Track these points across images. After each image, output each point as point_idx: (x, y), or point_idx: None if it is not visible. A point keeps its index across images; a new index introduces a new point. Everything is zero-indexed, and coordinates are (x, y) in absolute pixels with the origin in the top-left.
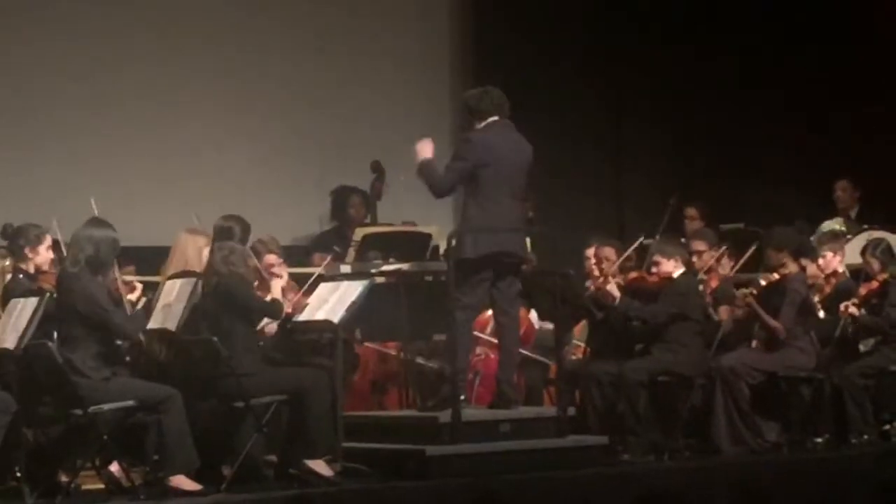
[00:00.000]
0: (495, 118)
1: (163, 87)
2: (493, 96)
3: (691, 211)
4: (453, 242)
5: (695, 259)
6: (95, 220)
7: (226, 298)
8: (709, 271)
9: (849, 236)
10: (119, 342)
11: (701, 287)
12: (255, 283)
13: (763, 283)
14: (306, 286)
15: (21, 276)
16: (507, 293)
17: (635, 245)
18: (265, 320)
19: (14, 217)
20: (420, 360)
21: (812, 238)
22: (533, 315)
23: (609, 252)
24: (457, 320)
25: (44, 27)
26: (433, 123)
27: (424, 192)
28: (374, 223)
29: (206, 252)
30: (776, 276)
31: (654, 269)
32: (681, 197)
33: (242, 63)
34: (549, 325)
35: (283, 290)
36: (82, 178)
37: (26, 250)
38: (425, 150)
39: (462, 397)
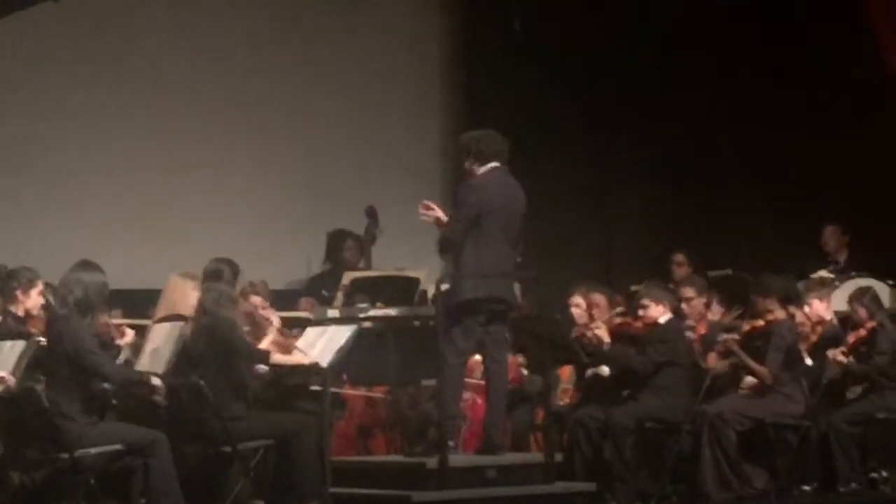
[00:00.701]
0: (496, 164)
1: (154, 129)
2: (495, 140)
3: (679, 257)
4: (443, 287)
5: (684, 306)
6: (84, 262)
7: (215, 341)
8: (698, 318)
9: (836, 283)
10: (106, 385)
11: (690, 333)
12: (247, 328)
13: (746, 328)
14: (291, 330)
15: (10, 318)
16: (497, 338)
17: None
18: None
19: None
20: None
21: (799, 285)
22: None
23: (599, 299)
24: (450, 365)
25: (35, 67)
26: (425, 169)
27: (418, 237)
28: (368, 268)
29: (193, 295)
30: (761, 322)
31: (640, 313)
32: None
33: (235, 107)
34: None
35: (277, 334)
36: (72, 221)
37: (17, 293)
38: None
39: (451, 443)
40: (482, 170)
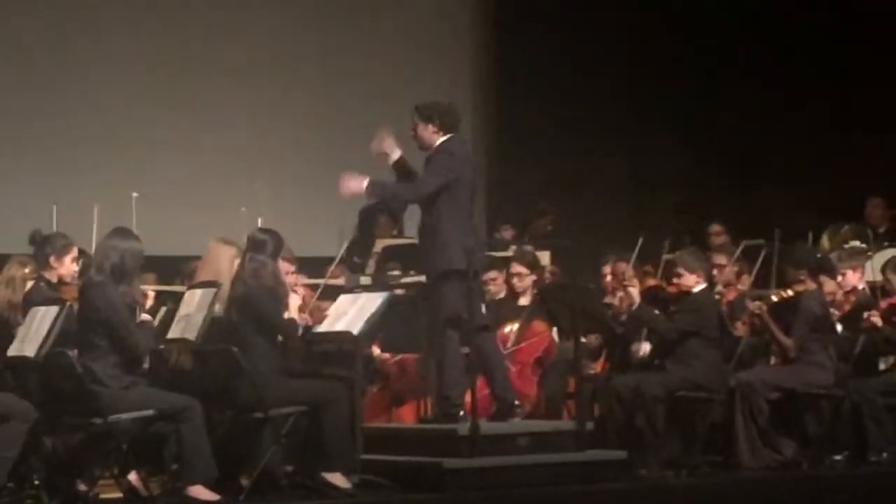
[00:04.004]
0: (454, 134)
1: (190, 97)
2: (456, 113)
3: (716, 227)
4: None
5: (715, 272)
6: (121, 230)
7: (250, 309)
8: (727, 285)
9: (870, 252)
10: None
11: (718, 298)
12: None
13: (775, 298)
14: (317, 293)
15: (42, 283)
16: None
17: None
18: None
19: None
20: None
21: (832, 255)
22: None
23: (625, 268)
24: (448, 334)
25: (90, 33)
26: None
27: None
28: (401, 237)
29: (235, 263)
30: (790, 292)
31: (674, 280)
32: (700, 214)
33: (270, 72)
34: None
35: (303, 304)
36: (105, 187)
37: (51, 259)
38: (355, 184)
39: (461, 413)
40: (444, 138)
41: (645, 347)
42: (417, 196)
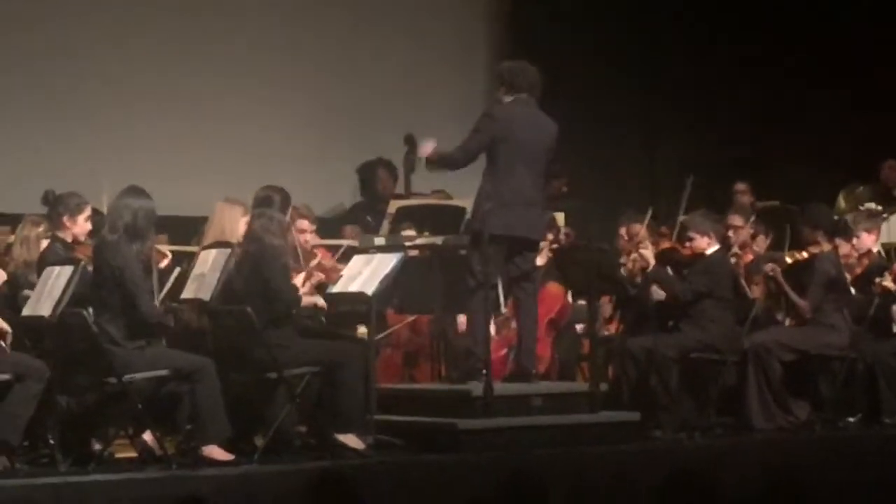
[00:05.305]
0: (523, 95)
1: (198, 57)
2: (529, 74)
3: (741, 185)
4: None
5: (730, 234)
6: (133, 188)
7: (260, 269)
8: (743, 247)
9: (885, 215)
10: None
11: (734, 261)
12: (292, 260)
13: (789, 260)
14: (337, 255)
15: (57, 243)
16: (523, 268)
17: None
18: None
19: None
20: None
21: (847, 217)
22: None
23: (639, 229)
24: (474, 293)
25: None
26: (466, 96)
27: None
28: (407, 195)
29: (242, 222)
30: (805, 254)
31: (687, 244)
32: (697, 178)
33: (277, 36)
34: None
35: (320, 264)
36: (118, 147)
37: (65, 219)
38: (427, 148)
39: (484, 371)
40: (507, 100)
41: (659, 293)
42: (456, 162)
